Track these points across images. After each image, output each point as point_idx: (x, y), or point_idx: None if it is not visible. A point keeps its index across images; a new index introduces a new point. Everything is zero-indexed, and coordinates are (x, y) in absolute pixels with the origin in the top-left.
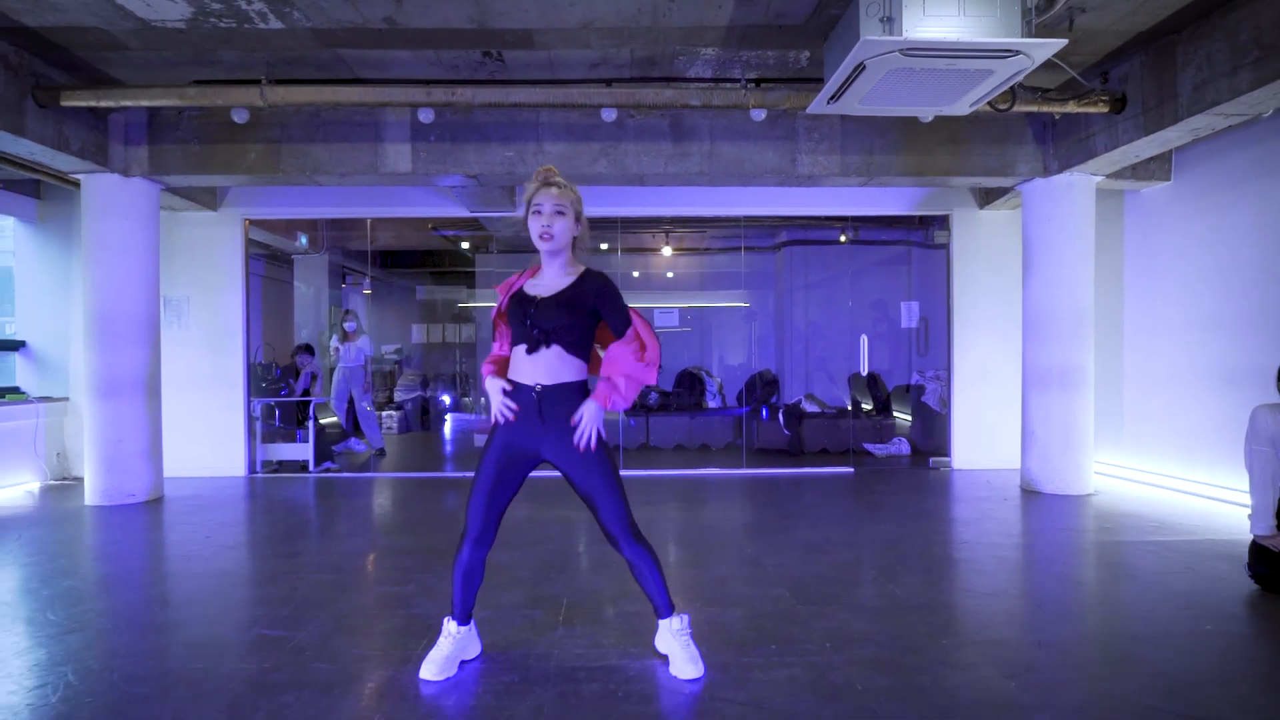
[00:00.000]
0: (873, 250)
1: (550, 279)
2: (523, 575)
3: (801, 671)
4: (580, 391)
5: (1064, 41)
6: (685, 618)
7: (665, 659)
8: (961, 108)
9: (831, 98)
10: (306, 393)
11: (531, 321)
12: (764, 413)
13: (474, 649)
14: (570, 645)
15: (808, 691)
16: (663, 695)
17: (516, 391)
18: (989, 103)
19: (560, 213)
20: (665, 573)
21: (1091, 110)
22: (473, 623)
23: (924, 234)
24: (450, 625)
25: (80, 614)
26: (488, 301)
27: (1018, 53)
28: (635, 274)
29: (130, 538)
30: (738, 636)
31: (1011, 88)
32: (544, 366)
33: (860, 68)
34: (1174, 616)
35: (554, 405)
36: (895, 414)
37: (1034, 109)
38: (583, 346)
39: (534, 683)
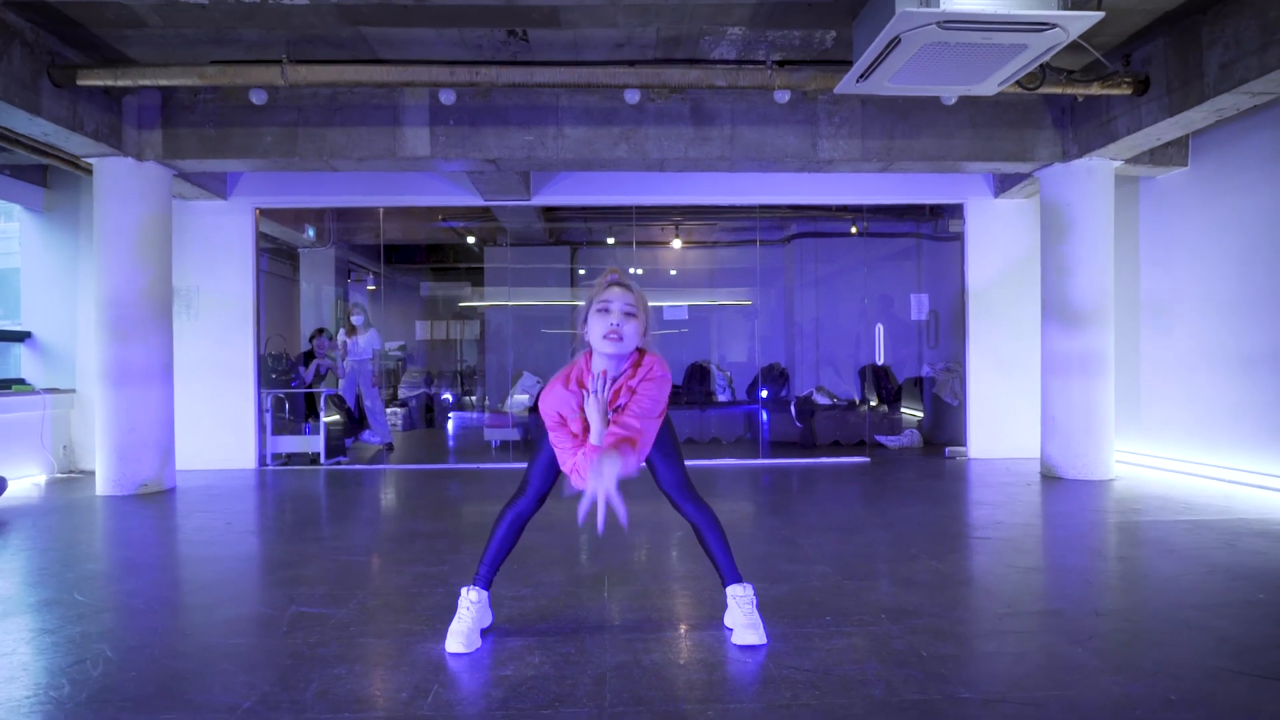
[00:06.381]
0: (882, 243)
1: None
2: (558, 555)
3: (862, 640)
4: None
5: (1101, 15)
6: (750, 586)
7: (730, 632)
8: (990, 86)
9: (861, 76)
10: (319, 376)
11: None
12: (764, 413)
13: (488, 618)
14: (623, 618)
15: (872, 658)
16: (726, 664)
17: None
18: (1018, 82)
19: (630, 314)
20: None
21: (1114, 92)
22: (489, 591)
23: (934, 226)
24: (471, 593)
25: (110, 595)
26: (496, 299)
27: (1053, 26)
28: (641, 270)
29: (148, 524)
30: (790, 609)
31: (1040, 66)
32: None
33: (895, 42)
34: (1225, 587)
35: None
36: (904, 407)
37: (1059, 90)
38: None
39: (592, 653)
